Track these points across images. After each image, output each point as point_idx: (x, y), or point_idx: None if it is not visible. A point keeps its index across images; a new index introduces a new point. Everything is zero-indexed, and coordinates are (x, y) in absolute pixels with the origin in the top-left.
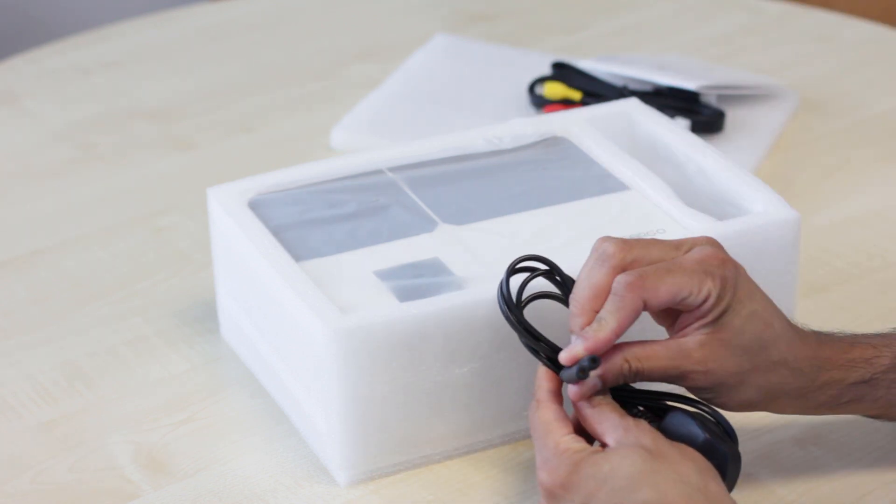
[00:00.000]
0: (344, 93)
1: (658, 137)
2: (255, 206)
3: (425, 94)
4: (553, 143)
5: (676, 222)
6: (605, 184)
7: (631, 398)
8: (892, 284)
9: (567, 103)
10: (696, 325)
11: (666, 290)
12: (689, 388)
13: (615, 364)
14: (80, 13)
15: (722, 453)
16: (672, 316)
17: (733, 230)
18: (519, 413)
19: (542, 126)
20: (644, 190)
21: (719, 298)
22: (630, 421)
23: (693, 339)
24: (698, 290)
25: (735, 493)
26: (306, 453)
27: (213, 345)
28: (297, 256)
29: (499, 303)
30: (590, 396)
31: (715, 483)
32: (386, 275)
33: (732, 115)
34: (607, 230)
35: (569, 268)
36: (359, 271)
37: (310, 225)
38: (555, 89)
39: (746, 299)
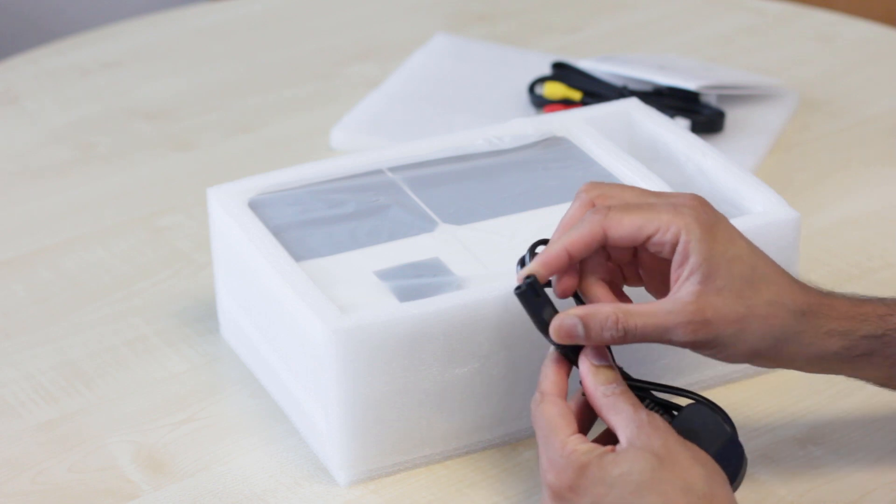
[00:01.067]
0: (344, 93)
1: (658, 137)
2: (255, 206)
3: (425, 94)
4: (553, 143)
5: None
6: None
7: (643, 392)
8: (892, 284)
9: (567, 103)
10: (684, 277)
11: (629, 221)
12: (690, 345)
13: (601, 313)
14: (80, 13)
15: (741, 449)
16: (659, 278)
17: None
18: (519, 413)
19: (542, 126)
20: None
21: (700, 241)
22: (643, 415)
23: (685, 290)
24: (666, 227)
25: (735, 493)
26: (306, 453)
27: (213, 345)
28: (297, 256)
29: (517, 287)
30: (605, 384)
31: (723, 490)
32: (386, 275)
33: (732, 115)
34: None
35: None
36: (359, 271)
37: (310, 225)
38: (555, 89)
39: (728, 244)
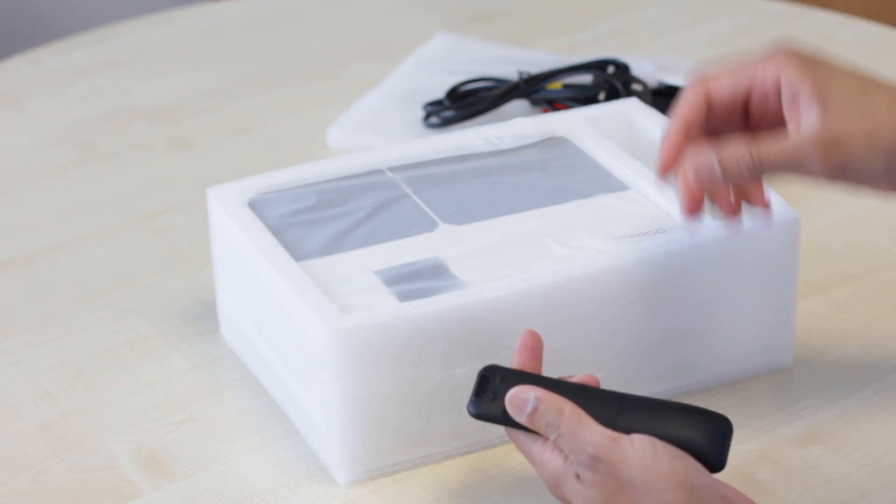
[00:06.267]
0: (343, 93)
1: (658, 137)
2: (255, 206)
3: (423, 92)
4: (553, 143)
5: (676, 222)
6: (605, 184)
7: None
8: (892, 284)
9: (567, 103)
10: (803, 108)
11: (726, 77)
12: (828, 174)
13: (733, 146)
14: (80, 13)
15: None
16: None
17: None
18: None
19: (542, 126)
20: (644, 190)
21: (803, 70)
22: (589, 449)
23: (808, 120)
24: (763, 70)
25: None
26: (306, 453)
27: (213, 345)
28: (297, 256)
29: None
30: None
31: None
32: (386, 275)
33: None
34: (607, 230)
35: (568, 269)
36: (359, 271)
37: (310, 225)
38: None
39: (830, 66)
